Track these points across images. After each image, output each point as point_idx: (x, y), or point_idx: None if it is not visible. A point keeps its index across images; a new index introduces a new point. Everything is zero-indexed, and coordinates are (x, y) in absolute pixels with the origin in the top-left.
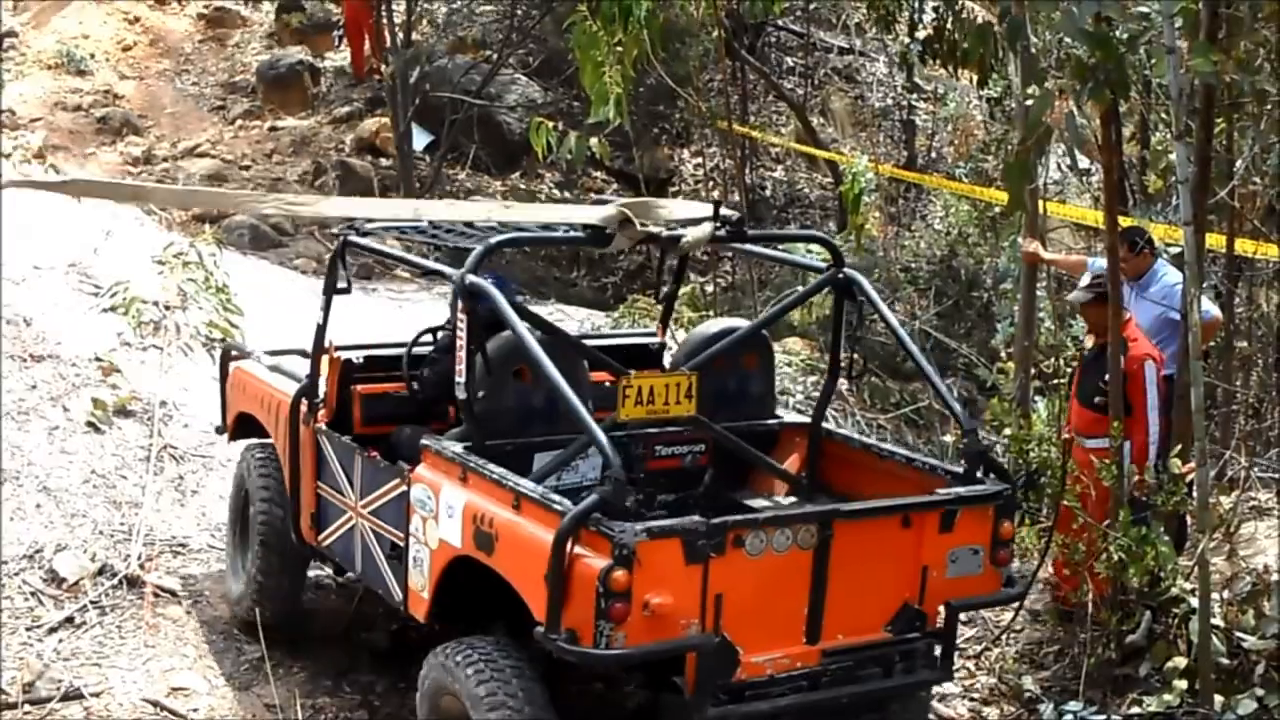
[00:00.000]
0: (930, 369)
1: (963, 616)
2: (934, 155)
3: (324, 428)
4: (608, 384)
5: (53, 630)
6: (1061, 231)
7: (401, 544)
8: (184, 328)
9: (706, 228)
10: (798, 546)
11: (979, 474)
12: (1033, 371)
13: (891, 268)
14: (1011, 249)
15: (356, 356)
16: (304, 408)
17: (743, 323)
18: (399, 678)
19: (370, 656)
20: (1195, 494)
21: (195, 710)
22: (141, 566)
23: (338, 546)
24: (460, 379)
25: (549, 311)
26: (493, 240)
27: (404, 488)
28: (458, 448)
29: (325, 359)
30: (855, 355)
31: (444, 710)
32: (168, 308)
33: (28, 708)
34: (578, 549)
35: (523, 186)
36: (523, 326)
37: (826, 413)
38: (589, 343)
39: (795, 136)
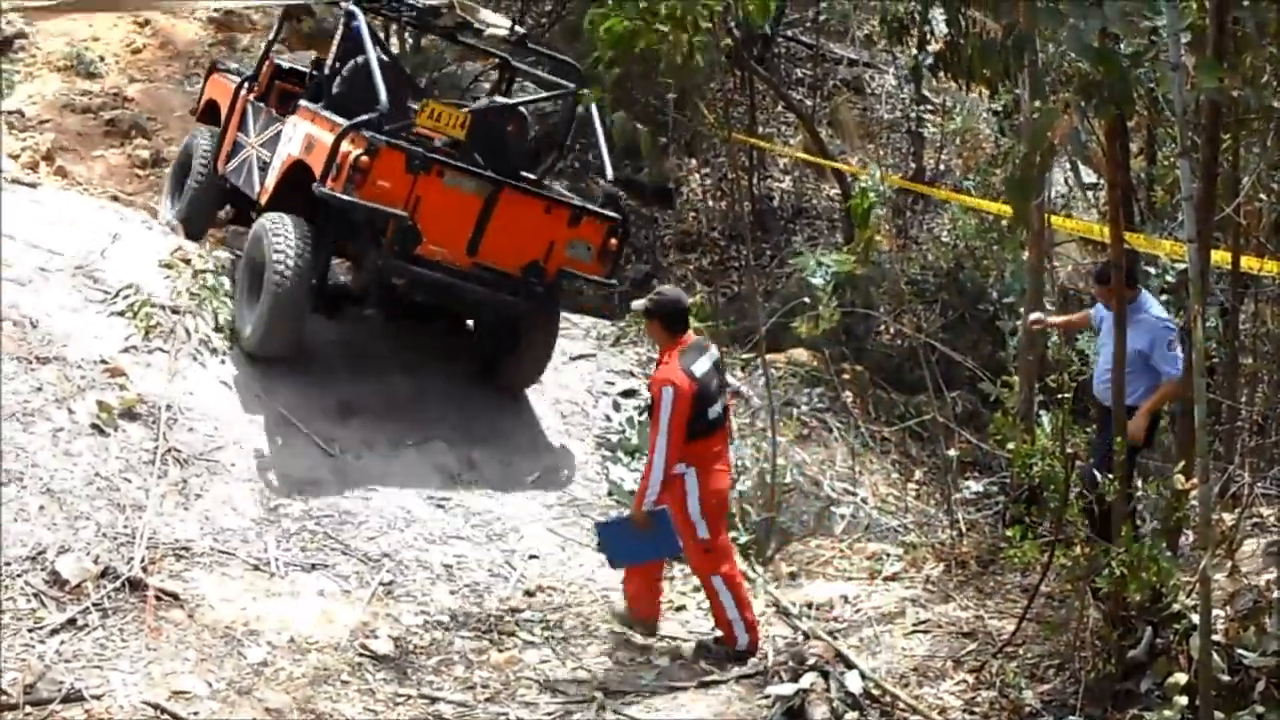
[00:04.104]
0: None
1: (962, 628)
2: (942, 168)
3: (251, 100)
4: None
5: (54, 632)
6: (1069, 246)
7: (268, 161)
8: (191, 332)
9: (503, 30)
10: (476, 194)
11: (610, 213)
12: (1037, 386)
13: (898, 280)
14: (1017, 263)
15: (285, 66)
16: (244, 90)
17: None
18: (400, 684)
19: (372, 662)
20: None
21: (196, 714)
22: (144, 570)
23: (233, 171)
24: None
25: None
26: None
27: (280, 127)
28: (313, 105)
29: (266, 66)
30: (859, 367)
31: (254, 256)
32: (175, 311)
33: (28, 709)
34: (345, 145)
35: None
36: (370, 43)
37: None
38: None
39: (803, 147)
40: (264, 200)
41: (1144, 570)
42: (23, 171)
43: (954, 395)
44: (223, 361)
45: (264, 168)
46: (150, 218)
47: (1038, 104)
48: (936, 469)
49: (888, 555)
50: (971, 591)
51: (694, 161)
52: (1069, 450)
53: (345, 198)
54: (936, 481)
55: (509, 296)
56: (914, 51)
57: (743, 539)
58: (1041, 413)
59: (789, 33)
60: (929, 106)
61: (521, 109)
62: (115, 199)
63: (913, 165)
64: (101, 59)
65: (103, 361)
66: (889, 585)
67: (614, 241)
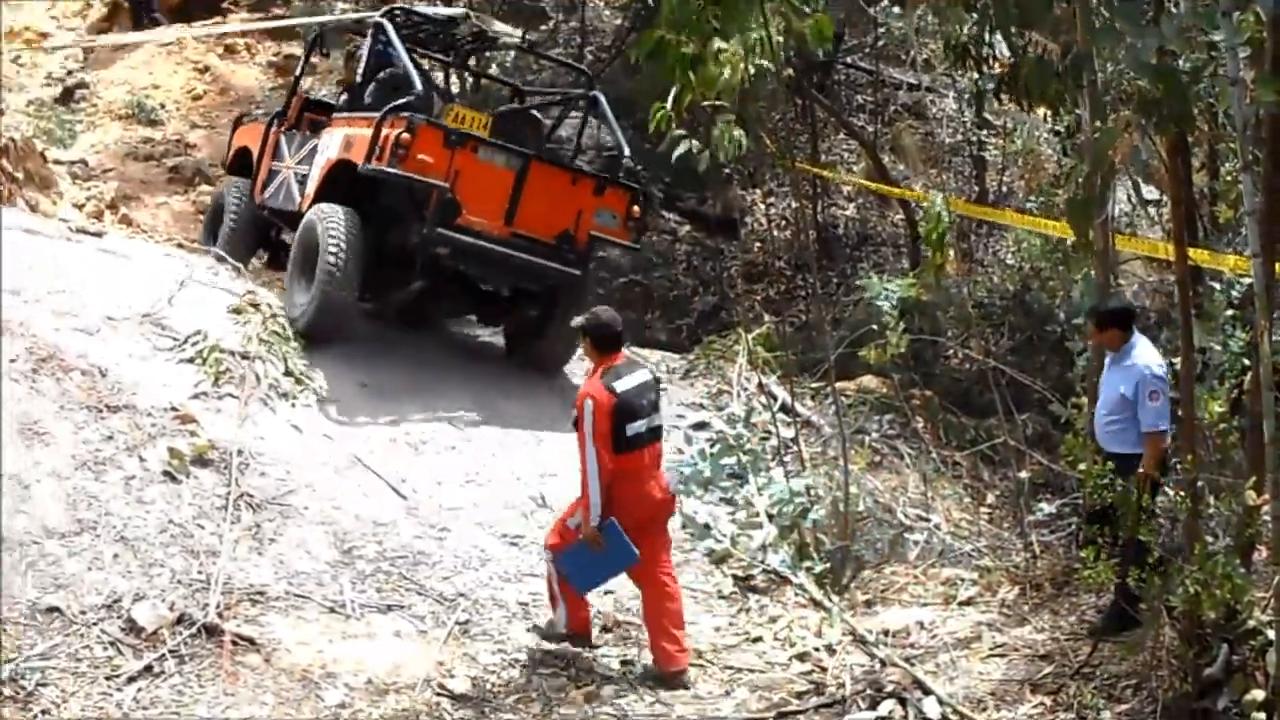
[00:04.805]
0: None
1: (1039, 651)
2: (1005, 190)
3: (283, 131)
4: None
5: (131, 680)
6: (1133, 264)
7: (306, 174)
8: (261, 377)
9: (515, 37)
10: (508, 168)
11: (631, 183)
12: None
13: (965, 304)
14: (1086, 283)
15: (313, 98)
16: (275, 125)
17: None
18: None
19: (450, 702)
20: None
21: None
22: (219, 615)
23: (270, 195)
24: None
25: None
26: (388, 8)
27: (315, 142)
28: (347, 113)
29: (295, 99)
30: (929, 392)
31: (307, 241)
32: (245, 357)
33: None
34: (385, 128)
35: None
36: (403, 49)
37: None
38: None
39: (866, 174)
40: (305, 207)
41: (1218, 587)
42: (87, 221)
43: (1024, 417)
44: (293, 405)
45: (302, 181)
46: (217, 264)
47: (1098, 124)
48: (1009, 492)
49: (962, 580)
50: (1047, 614)
51: (758, 192)
52: (1141, 470)
53: (392, 170)
54: (1009, 504)
55: (545, 262)
56: (975, 75)
57: (817, 568)
58: None
59: (848, 59)
60: (990, 129)
61: (537, 114)
62: (181, 246)
63: (975, 188)
64: (162, 106)
65: (173, 409)
66: (964, 610)
67: (636, 209)
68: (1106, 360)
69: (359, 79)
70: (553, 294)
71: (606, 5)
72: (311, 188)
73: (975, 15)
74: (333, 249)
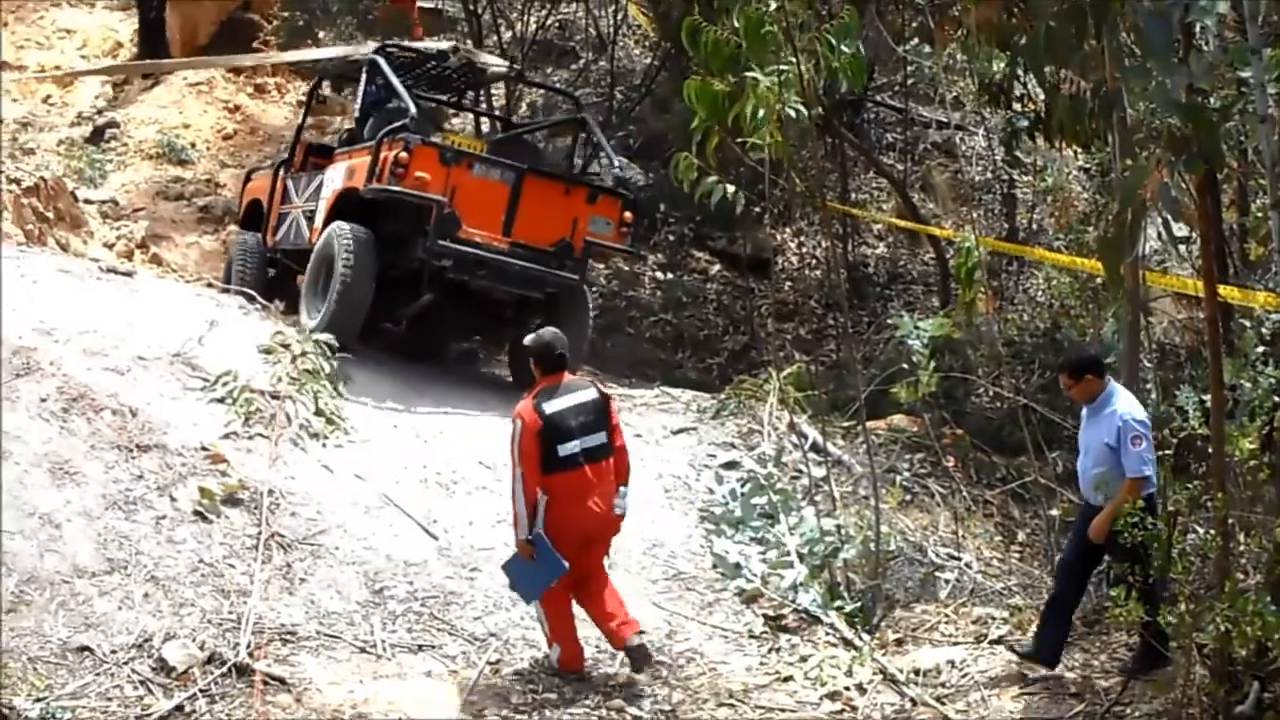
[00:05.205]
0: None
1: (1070, 689)
2: (1034, 227)
3: (289, 176)
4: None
5: (163, 719)
6: (1164, 301)
7: (314, 209)
8: (292, 417)
9: (503, 68)
10: (503, 181)
11: (621, 190)
12: None
13: (996, 343)
14: (1119, 321)
15: (316, 144)
16: (281, 172)
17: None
18: None
19: None
20: None
21: None
22: (250, 655)
23: (282, 237)
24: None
25: (655, 394)
26: (379, 45)
27: (322, 175)
28: (347, 147)
29: (299, 145)
30: (959, 431)
31: (324, 256)
32: (275, 396)
33: None
34: (384, 151)
35: (625, 268)
36: (398, 82)
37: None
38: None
39: (896, 212)
40: (315, 239)
41: (1249, 625)
42: (118, 260)
43: (1055, 455)
44: (324, 445)
45: (310, 217)
46: (247, 303)
47: (1128, 161)
48: (1039, 530)
49: (993, 618)
50: (1078, 652)
51: (789, 231)
52: (1171, 508)
53: (392, 188)
54: (1040, 542)
55: (545, 269)
56: (1006, 113)
57: (848, 607)
58: None
59: (878, 97)
60: (1020, 167)
61: (531, 139)
62: (210, 285)
63: (1006, 226)
64: (192, 145)
65: (203, 448)
66: (995, 648)
67: (629, 215)
68: (1084, 413)
69: (359, 109)
70: (554, 302)
71: (636, 45)
72: (319, 220)
73: (1006, 54)
74: (347, 255)
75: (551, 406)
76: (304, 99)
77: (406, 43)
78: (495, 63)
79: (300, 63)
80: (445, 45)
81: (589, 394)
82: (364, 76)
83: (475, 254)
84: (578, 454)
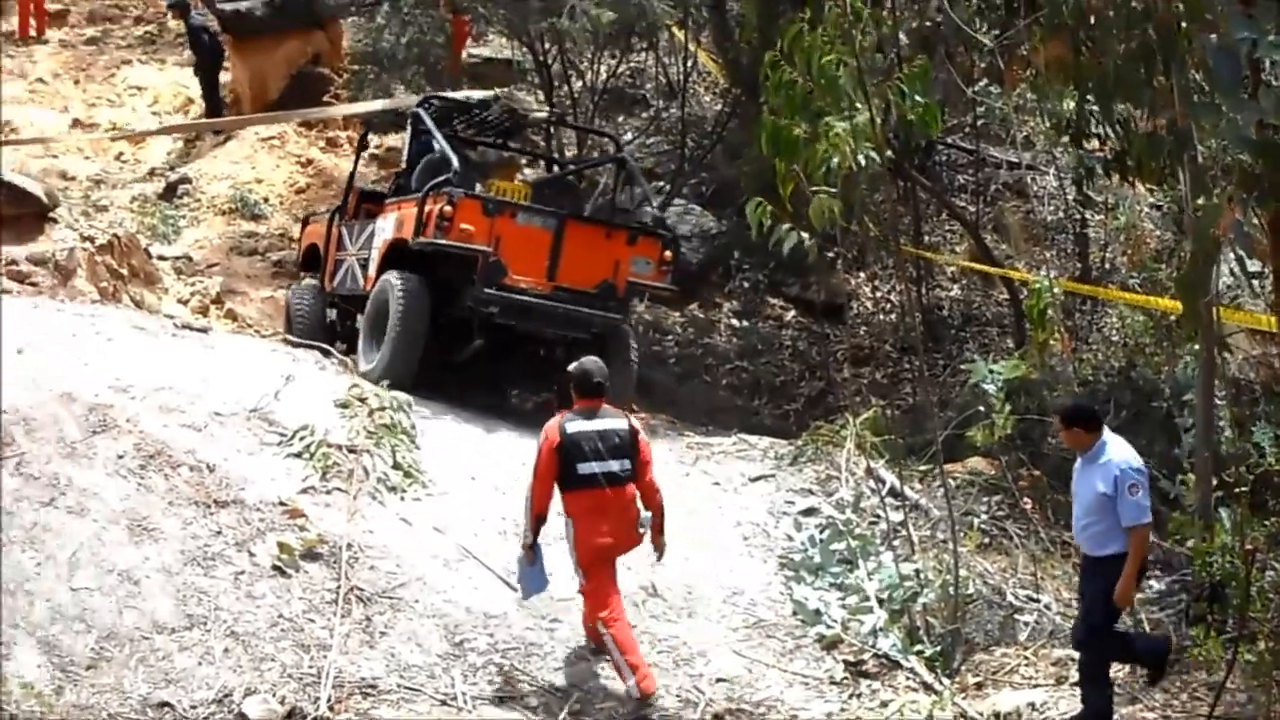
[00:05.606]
0: None
1: None
2: (1107, 266)
3: (343, 223)
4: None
5: None
6: (1238, 337)
7: (368, 258)
8: (370, 471)
9: (543, 113)
10: (546, 228)
11: (660, 230)
12: (1214, 482)
13: (1071, 383)
14: (1196, 359)
15: (367, 190)
16: (336, 219)
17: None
18: None
19: None
20: None
21: None
22: (331, 709)
23: (339, 283)
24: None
25: (732, 441)
26: (422, 97)
27: (373, 224)
28: (396, 198)
29: (351, 193)
30: (1036, 472)
31: (379, 303)
32: (352, 450)
33: None
34: (429, 205)
35: (701, 316)
36: (439, 134)
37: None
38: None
39: (969, 254)
40: (369, 287)
41: None
42: (192, 316)
43: None
44: (402, 499)
45: (364, 264)
46: (323, 357)
47: (1200, 199)
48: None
49: (1073, 660)
50: (1158, 692)
51: (863, 275)
52: (1249, 546)
53: (439, 241)
54: None
55: (589, 310)
56: (1079, 151)
57: (928, 651)
58: (1220, 509)
59: (949, 139)
60: (1092, 206)
61: (572, 180)
62: (286, 340)
63: (1079, 265)
64: (265, 200)
65: (281, 503)
66: (1076, 691)
67: (669, 254)
68: (1078, 463)
69: (405, 160)
70: (600, 341)
71: (706, 92)
72: (373, 269)
73: (1075, 92)
74: (401, 303)
75: (575, 427)
76: (375, 151)
77: (448, 93)
78: (535, 107)
79: (353, 115)
80: (486, 94)
81: (619, 424)
82: (409, 130)
83: (521, 300)
84: (597, 475)
